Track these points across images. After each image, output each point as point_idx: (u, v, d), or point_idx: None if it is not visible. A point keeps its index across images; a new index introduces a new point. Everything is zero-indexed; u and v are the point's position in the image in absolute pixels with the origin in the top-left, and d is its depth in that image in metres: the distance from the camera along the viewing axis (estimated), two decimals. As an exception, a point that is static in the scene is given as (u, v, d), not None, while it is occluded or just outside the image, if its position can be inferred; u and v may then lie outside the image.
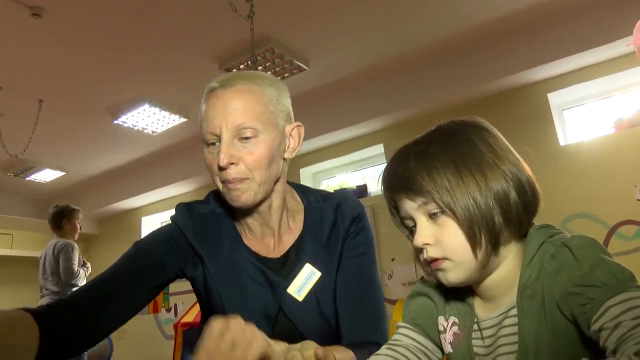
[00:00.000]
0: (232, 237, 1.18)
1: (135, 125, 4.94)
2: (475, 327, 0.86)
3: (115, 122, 4.80)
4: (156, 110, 4.65)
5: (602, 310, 0.65)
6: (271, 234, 1.18)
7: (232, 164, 1.04)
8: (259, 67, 3.86)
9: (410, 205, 0.81)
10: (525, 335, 0.76)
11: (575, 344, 0.72)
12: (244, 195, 1.07)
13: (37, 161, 5.72)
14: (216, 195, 1.23)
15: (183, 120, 4.91)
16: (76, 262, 4.42)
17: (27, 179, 6.17)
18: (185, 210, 1.20)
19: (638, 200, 3.50)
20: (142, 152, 5.87)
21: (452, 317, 0.90)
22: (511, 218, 0.78)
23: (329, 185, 5.54)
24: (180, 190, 6.33)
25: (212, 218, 1.19)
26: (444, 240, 0.78)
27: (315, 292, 1.14)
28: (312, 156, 5.29)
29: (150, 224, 6.97)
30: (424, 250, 0.81)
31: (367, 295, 1.17)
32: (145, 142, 5.53)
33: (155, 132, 5.16)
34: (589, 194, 3.58)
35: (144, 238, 1.20)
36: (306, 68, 4.08)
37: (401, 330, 0.96)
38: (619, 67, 3.74)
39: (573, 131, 4.18)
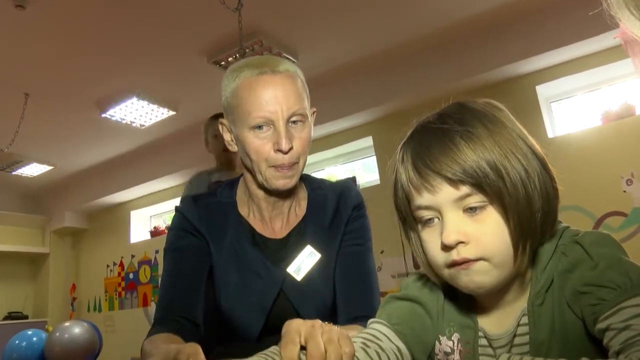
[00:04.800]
0: (236, 226, 1.22)
1: (124, 119, 4.90)
2: (484, 342, 0.78)
3: (103, 115, 4.76)
4: (144, 103, 4.61)
5: (612, 311, 0.62)
6: (280, 218, 1.23)
7: (290, 148, 1.09)
8: (248, 60, 3.84)
9: (448, 194, 0.69)
10: (539, 345, 0.71)
11: (584, 341, 0.69)
12: (292, 180, 1.13)
13: (23, 155, 5.66)
14: (223, 189, 1.28)
15: (172, 113, 4.87)
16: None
17: (13, 173, 6.11)
18: (190, 200, 1.25)
19: (624, 191, 3.54)
20: (131, 145, 5.83)
21: (455, 333, 0.80)
22: (549, 213, 0.71)
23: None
24: (169, 183, 6.30)
25: (218, 207, 1.24)
26: (484, 238, 0.68)
27: (314, 273, 1.19)
28: (301, 149, 5.28)
29: (139, 218, 6.94)
30: (455, 250, 0.69)
31: (363, 277, 1.22)
32: (133, 136, 5.48)
33: (143, 125, 5.12)
34: (576, 186, 3.60)
35: (169, 243, 1.24)
36: (295, 61, 4.06)
37: (376, 326, 0.83)
38: (606, 59, 3.76)
39: (561, 123, 4.21)
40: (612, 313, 0.62)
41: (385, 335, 0.81)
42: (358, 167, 5.42)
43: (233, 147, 1.20)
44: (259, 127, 1.09)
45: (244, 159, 1.17)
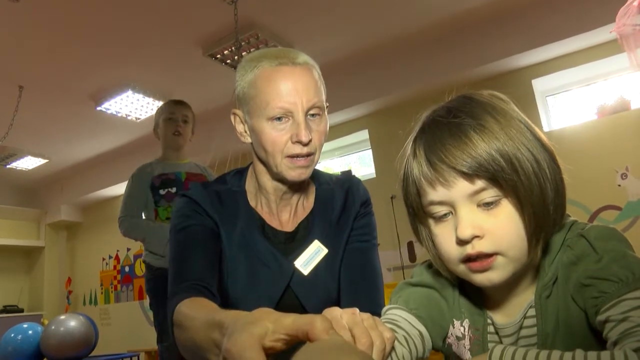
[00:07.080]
0: (247, 215, 1.20)
1: (119, 112, 4.88)
2: (491, 329, 0.79)
3: (98, 108, 4.74)
4: (140, 96, 4.60)
5: (612, 304, 0.63)
6: (288, 210, 1.22)
7: (309, 140, 1.08)
8: (243, 53, 3.83)
9: (463, 189, 0.68)
10: (545, 338, 0.73)
11: (587, 334, 0.70)
12: (307, 171, 1.12)
13: (18, 148, 5.63)
14: (233, 177, 1.25)
15: (167, 106, 4.85)
16: (129, 198, 2.80)
17: (8, 166, 6.08)
18: (199, 186, 1.21)
19: (619, 185, 3.56)
20: (126, 139, 5.81)
21: (466, 319, 0.80)
22: (559, 205, 0.72)
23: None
24: (165, 177, 6.28)
25: (229, 195, 1.21)
26: (499, 231, 0.68)
27: (320, 267, 1.18)
28: (297, 142, 5.27)
29: (134, 211, 6.92)
30: (469, 244, 0.68)
31: (368, 274, 1.22)
32: (129, 129, 5.46)
33: (139, 118, 5.10)
34: (571, 179, 3.59)
35: (175, 224, 1.17)
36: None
37: (396, 311, 0.83)
38: (602, 54, 3.77)
39: (557, 117, 4.22)
40: (612, 305, 0.63)
41: (407, 320, 0.81)
42: (354, 160, 5.43)
43: (246, 139, 1.18)
44: (278, 118, 1.07)
45: (257, 150, 1.15)
